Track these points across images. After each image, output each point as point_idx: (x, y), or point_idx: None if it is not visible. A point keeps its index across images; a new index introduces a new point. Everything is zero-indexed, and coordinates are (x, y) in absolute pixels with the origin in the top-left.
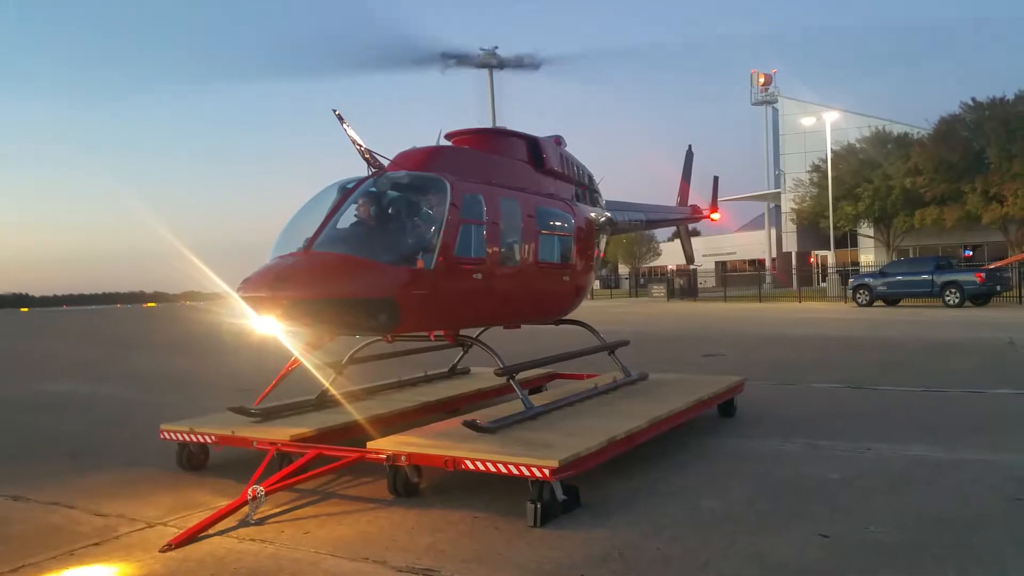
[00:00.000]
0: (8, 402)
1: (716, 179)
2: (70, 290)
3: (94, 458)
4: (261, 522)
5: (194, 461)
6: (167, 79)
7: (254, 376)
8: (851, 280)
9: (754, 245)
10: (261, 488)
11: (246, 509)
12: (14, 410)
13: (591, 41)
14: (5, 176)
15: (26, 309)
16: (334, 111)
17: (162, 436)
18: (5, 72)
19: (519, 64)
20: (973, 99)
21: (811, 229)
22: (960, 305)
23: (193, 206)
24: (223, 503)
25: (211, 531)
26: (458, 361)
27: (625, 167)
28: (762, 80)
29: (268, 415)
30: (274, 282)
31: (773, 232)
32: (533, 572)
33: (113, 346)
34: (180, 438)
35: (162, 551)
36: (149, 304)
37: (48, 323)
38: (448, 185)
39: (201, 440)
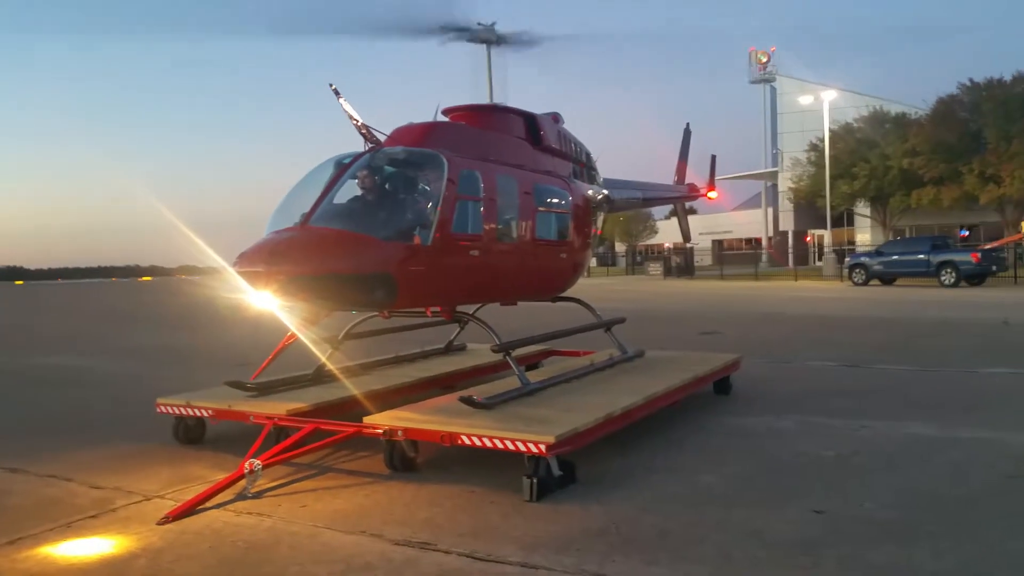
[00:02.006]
0: (5, 375)
1: (713, 158)
2: (64, 263)
3: (91, 431)
4: (258, 496)
5: (191, 435)
6: (164, 31)
7: (251, 351)
8: (847, 259)
9: (751, 224)
10: (258, 462)
11: (243, 483)
12: (11, 383)
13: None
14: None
15: (21, 282)
16: (330, 85)
17: (159, 410)
18: (7, 48)
19: (517, 40)
20: (971, 80)
21: (808, 208)
22: (955, 285)
23: (187, 180)
24: (220, 477)
25: (208, 504)
26: (454, 337)
27: (623, 145)
28: (761, 59)
29: (265, 389)
30: (270, 257)
31: (770, 211)
32: (529, 546)
33: (109, 320)
34: (177, 412)
35: (159, 524)
36: (144, 278)
37: (44, 297)
38: (445, 161)
39: (198, 414)
